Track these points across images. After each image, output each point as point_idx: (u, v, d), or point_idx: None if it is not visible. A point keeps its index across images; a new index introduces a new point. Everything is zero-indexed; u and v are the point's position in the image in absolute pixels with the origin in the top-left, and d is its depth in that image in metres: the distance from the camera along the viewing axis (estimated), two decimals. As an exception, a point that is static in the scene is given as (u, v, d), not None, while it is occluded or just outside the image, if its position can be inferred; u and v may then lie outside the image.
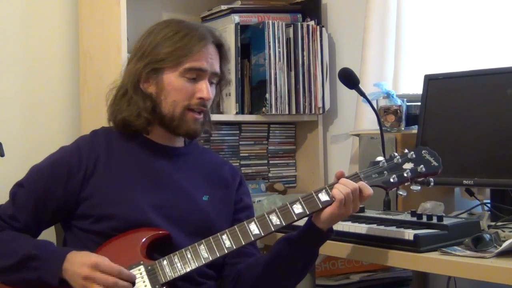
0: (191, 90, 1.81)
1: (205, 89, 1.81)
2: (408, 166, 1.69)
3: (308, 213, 1.66)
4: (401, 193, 1.72)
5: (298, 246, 1.73)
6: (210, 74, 1.83)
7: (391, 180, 1.68)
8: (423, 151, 1.71)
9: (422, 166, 1.68)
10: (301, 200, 1.67)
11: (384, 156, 1.73)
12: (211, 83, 1.85)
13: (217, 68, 1.86)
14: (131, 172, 1.81)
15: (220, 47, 1.88)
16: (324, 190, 1.66)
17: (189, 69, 1.80)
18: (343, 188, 1.64)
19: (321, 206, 1.66)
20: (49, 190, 1.77)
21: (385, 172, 1.69)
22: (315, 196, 1.66)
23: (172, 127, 1.83)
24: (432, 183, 1.70)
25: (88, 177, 1.78)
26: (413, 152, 1.71)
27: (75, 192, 1.77)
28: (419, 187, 1.69)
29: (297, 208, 1.66)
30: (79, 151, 1.81)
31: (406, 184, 1.70)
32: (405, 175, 1.68)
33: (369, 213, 1.96)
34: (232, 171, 1.98)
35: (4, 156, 2.13)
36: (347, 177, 1.68)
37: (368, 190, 1.65)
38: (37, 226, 1.79)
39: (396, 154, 1.71)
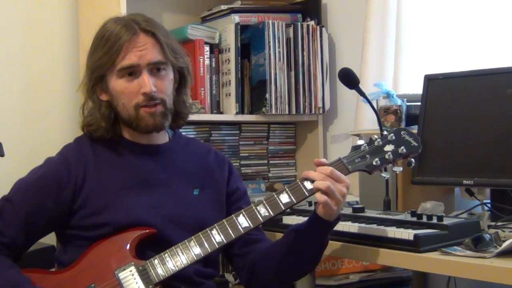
0: (133, 89, 1.76)
1: (146, 83, 1.74)
2: (389, 148, 1.71)
3: (295, 202, 1.68)
4: (384, 175, 1.74)
5: (309, 237, 1.74)
6: (146, 66, 1.76)
7: (374, 163, 1.70)
8: (402, 132, 1.73)
9: (402, 147, 1.71)
10: (287, 189, 1.69)
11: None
12: (156, 71, 1.78)
13: (152, 57, 1.77)
14: (120, 176, 1.80)
15: (152, 33, 1.79)
16: None
17: (121, 69, 1.76)
18: (318, 175, 1.64)
19: (307, 194, 1.67)
20: (39, 205, 1.74)
21: (368, 155, 1.71)
22: (301, 185, 1.68)
23: (133, 127, 1.81)
24: (413, 163, 1.73)
25: (79, 187, 1.76)
26: (392, 134, 1.73)
27: (67, 204, 1.75)
28: (401, 168, 1.72)
29: (284, 198, 1.68)
30: (67, 162, 1.78)
31: (388, 166, 1.72)
32: (387, 157, 1.70)
33: (369, 213, 1.96)
34: (218, 159, 1.96)
35: (4, 156, 2.13)
36: (329, 164, 1.69)
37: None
38: (25, 240, 1.76)
39: (376, 136, 1.73)
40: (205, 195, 1.86)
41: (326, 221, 1.69)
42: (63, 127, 2.82)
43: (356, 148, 1.72)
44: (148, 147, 1.85)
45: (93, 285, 1.67)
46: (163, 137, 1.89)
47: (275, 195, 1.69)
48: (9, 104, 2.72)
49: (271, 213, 1.67)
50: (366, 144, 1.72)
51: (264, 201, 1.69)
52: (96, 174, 1.78)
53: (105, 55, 1.77)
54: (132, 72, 1.76)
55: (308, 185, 1.67)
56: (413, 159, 1.72)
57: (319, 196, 1.65)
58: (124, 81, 1.77)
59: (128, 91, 1.76)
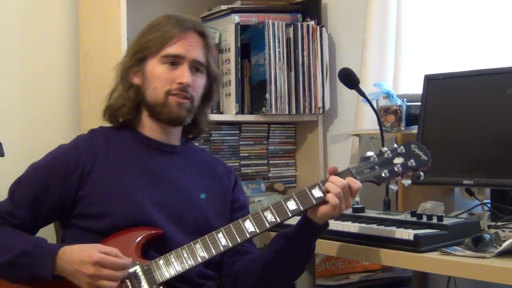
0: (171, 77, 1.82)
1: (185, 75, 1.82)
2: (398, 160, 1.71)
3: (302, 209, 1.67)
4: (392, 187, 1.74)
5: (295, 242, 1.74)
6: (190, 61, 1.84)
7: (383, 175, 1.69)
8: (412, 145, 1.73)
9: (412, 160, 1.70)
10: (295, 196, 1.68)
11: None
12: (195, 70, 1.86)
13: (198, 56, 1.85)
14: (129, 170, 1.82)
15: (203, 36, 1.88)
16: (317, 186, 1.67)
17: (166, 56, 1.83)
18: (334, 188, 1.64)
19: (315, 202, 1.67)
20: (46, 188, 1.77)
21: (377, 167, 1.71)
22: (308, 193, 1.68)
23: (155, 113, 1.85)
24: (422, 177, 1.72)
25: (86, 175, 1.78)
26: (402, 147, 1.73)
27: (72, 190, 1.77)
28: (410, 181, 1.72)
29: (291, 205, 1.68)
30: (78, 149, 1.82)
31: (397, 178, 1.72)
32: (396, 169, 1.70)
33: (369, 213, 1.96)
34: (226, 169, 1.99)
35: (4, 156, 2.13)
36: (339, 173, 1.69)
37: (356, 183, 1.67)
38: (34, 223, 1.78)
39: (386, 149, 1.73)
40: (212, 200, 1.88)
41: (316, 223, 1.69)
42: (63, 127, 2.82)
43: (365, 159, 1.72)
44: (162, 145, 1.88)
45: None
46: (177, 140, 1.93)
47: (283, 202, 1.68)
48: (9, 104, 2.72)
49: (278, 219, 1.67)
50: (375, 156, 1.72)
51: (272, 207, 1.68)
52: (106, 164, 1.80)
53: (155, 38, 1.84)
54: (174, 61, 1.83)
55: (316, 193, 1.67)
56: (422, 173, 1.72)
57: (330, 197, 1.65)
58: (164, 67, 1.83)
59: (165, 77, 1.83)
